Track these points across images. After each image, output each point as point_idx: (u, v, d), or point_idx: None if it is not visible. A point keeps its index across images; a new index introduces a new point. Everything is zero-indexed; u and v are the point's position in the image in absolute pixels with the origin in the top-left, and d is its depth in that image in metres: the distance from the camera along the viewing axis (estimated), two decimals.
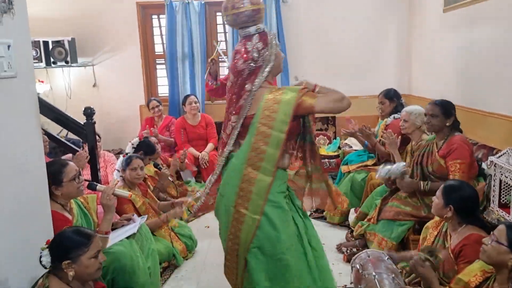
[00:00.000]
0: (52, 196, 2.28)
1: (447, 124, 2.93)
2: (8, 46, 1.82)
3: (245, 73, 2.18)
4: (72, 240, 1.83)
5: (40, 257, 1.80)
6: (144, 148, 3.79)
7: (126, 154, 3.46)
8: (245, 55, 2.17)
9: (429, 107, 2.99)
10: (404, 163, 3.06)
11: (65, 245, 1.81)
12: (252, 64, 2.17)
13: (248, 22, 2.20)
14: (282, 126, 2.13)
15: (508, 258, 1.79)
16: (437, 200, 2.36)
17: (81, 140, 4.05)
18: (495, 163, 2.68)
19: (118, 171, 3.23)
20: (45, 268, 1.82)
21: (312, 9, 5.27)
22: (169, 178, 3.78)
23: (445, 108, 2.93)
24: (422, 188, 2.95)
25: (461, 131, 3.00)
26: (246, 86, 2.18)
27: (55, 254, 1.81)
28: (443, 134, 2.96)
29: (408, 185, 3.01)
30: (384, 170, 3.06)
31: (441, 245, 2.36)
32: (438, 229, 2.45)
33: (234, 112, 2.23)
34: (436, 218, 2.50)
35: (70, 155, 3.85)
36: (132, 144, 3.86)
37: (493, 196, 2.72)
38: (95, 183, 2.63)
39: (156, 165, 3.81)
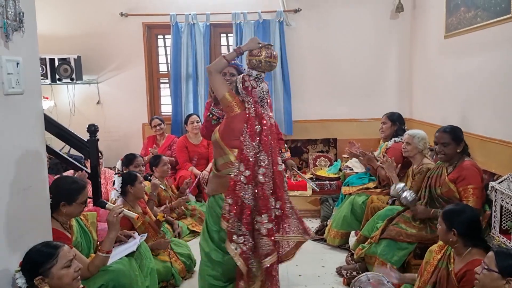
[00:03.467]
0: (53, 212, 2.28)
1: (458, 150, 2.92)
2: (17, 63, 1.86)
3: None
4: (39, 254, 1.82)
5: (16, 280, 1.78)
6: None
7: (119, 172, 3.45)
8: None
9: (439, 135, 2.97)
10: (412, 192, 3.04)
11: (33, 261, 1.80)
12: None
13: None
14: None
15: (501, 284, 1.79)
16: (439, 226, 2.35)
17: (83, 157, 4.06)
18: (496, 189, 2.69)
19: (117, 190, 3.22)
20: None
21: (315, 33, 5.34)
22: (161, 186, 3.77)
23: (455, 134, 2.94)
24: (438, 215, 2.91)
25: (469, 154, 3.00)
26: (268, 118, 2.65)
27: (28, 273, 1.79)
28: (453, 159, 2.96)
29: (422, 212, 2.99)
30: (398, 190, 3.07)
31: (445, 269, 2.33)
32: (442, 253, 2.42)
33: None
34: (440, 242, 2.49)
35: (71, 171, 3.86)
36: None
37: (494, 222, 2.72)
38: (104, 201, 2.64)
39: (146, 177, 3.80)
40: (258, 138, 2.54)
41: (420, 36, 4.95)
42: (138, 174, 3.27)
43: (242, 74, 2.66)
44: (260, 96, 2.60)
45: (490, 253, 1.87)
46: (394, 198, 3.56)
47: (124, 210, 2.54)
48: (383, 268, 2.77)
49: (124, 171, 3.54)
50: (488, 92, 3.40)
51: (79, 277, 1.90)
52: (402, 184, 3.09)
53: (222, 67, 2.64)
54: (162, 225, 3.55)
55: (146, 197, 3.61)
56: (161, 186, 3.77)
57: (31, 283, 1.79)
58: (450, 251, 2.37)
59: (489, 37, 3.36)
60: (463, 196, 2.83)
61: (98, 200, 2.61)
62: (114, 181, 3.26)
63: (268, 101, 2.67)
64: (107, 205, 2.56)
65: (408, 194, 3.00)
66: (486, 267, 1.84)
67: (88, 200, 2.60)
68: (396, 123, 4.03)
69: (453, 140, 2.92)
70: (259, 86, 2.60)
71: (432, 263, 2.43)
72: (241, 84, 2.61)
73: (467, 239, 2.25)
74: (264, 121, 2.57)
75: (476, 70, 3.58)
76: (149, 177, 3.82)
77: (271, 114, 2.70)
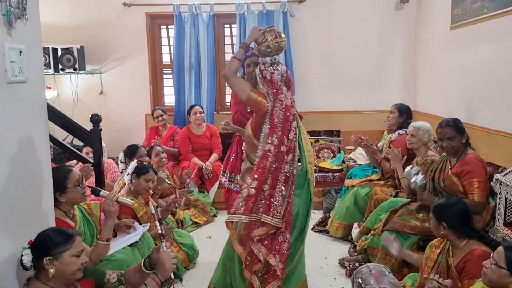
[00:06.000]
0: (55, 202, 2.27)
1: (463, 141, 2.91)
2: (20, 52, 1.84)
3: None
4: (55, 237, 1.82)
5: (21, 256, 1.78)
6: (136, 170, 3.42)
7: (139, 160, 3.43)
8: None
9: (443, 130, 2.92)
10: (423, 177, 3.03)
11: (48, 242, 1.80)
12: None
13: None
14: None
15: (508, 282, 1.76)
16: (431, 221, 2.40)
17: (83, 144, 4.03)
18: (501, 181, 2.68)
19: (131, 174, 3.21)
20: (26, 269, 1.79)
21: (319, 24, 5.31)
22: (166, 180, 3.77)
23: (458, 126, 2.92)
24: None
25: (470, 145, 2.98)
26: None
27: (37, 251, 1.79)
28: (459, 151, 2.94)
29: (427, 198, 2.98)
30: (412, 171, 3.06)
31: (444, 262, 2.35)
32: (440, 247, 2.44)
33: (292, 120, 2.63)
34: None
35: (74, 161, 3.87)
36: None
37: (499, 214, 2.71)
38: (98, 188, 2.62)
39: (152, 170, 3.77)
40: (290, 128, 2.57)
41: (425, 27, 4.91)
42: (150, 171, 3.23)
43: (258, 66, 2.63)
44: (281, 79, 2.58)
45: (500, 249, 1.82)
46: (398, 191, 3.56)
47: (119, 197, 2.52)
48: (389, 236, 2.81)
49: (143, 161, 3.53)
50: (494, 84, 3.37)
51: (82, 268, 1.90)
52: (417, 167, 3.10)
53: (236, 67, 2.60)
54: None
55: (151, 191, 3.59)
56: (166, 180, 3.77)
57: (37, 262, 1.79)
58: (448, 245, 2.39)
59: (496, 28, 3.32)
60: (468, 190, 2.82)
61: (93, 188, 2.58)
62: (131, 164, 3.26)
63: (290, 80, 2.65)
64: (101, 193, 2.53)
65: (418, 178, 3.00)
66: (494, 262, 1.80)
67: (89, 189, 2.58)
68: (403, 115, 4.01)
69: (457, 132, 2.91)
70: (277, 70, 2.58)
71: (432, 258, 2.45)
72: (259, 76, 2.58)
73: (459, 232, 2.28)
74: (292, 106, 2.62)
75: (482, 61, 3.55)
76: (155, 170, 3.80)
77: (291, 96, 2.68)
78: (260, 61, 2.62)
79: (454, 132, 2.90)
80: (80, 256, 1.87)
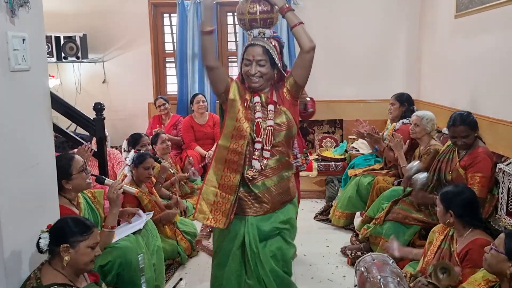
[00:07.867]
0: (60, 190, 2.29)
1: (476, 134, 2.86)
2: (23, 40, 1.84)
3: None
4: (74, 226, 1.86)
5: (39, 239, 1.81)
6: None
7: (136, 149, 3.45)
8: None
9: (459, 129, 2.82)
10: (426, 178, 2.99)
11: (67, 230, 1.84)
12: None
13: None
14: None
15: (507, 267, 1.79)
16: (438, 208, 2.40)
17: (88, 134, 4.05)
18: (504, 171, 2.68)
19: (129, 165, 3.22)
20: (41, 252, 1.83)
21: (323, 13, 5.26)
22: (170, 170, 3.78)
23: (471, 124, 2.83)
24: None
25: (479, 136, 2.94)
26: None
27: (55, 237, 1.82)
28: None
29: (422, 198, 2.97)
30: (414, 169, 3.05)
31: (447, 249, 2.36)
32: (444, 233, 2.46)
33: None
34: None
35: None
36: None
37: (501, 203, 2.71)
38: (103, 177, 2.64)
39: (156, 159, 3.77)
40: None
41: (430, 15, 4.87)
42: (148, 159, 3.23)
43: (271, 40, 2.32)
44: None
45: (501, 235, 1.86)
46: (400, 180, 3.56)
47: (124, 185, 2.54)
48: (388, 243, 2.80)
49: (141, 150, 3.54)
50: (498, 73, 3.35)
51: (94, 260, 1.93)
52: (419, 164, 3.08)
53: None
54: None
55: (154, 179, 3.61)
56: (170, 170, 3.78)
57: (53, 247, 1.82)
58: (452, 231, 2.41)
59: (501, 17, 3.29)
60: (469, 183, 2.78)
61: (97, 176, 2.60)
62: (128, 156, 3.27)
63: None
64: (106, 181, 2.56)
65: (419, 177, 2.97)
66: (494, 247, 1.84)
67: (93, 177, 2.60)
68: (405, 104, 3.99)
69: (471, 129, 2.83)
70: None
71: (435, 244, 2.47)
72: (277, 52, 2.25)
73: (465, 220, 2.30)
74: None
75: (487, 50, 3.52)
76: (159, 159, 3.82)
77: None
78: (272, 32, 2.30)
79: (469, 131, 2.81)
80: (95, 248, 1.91)
